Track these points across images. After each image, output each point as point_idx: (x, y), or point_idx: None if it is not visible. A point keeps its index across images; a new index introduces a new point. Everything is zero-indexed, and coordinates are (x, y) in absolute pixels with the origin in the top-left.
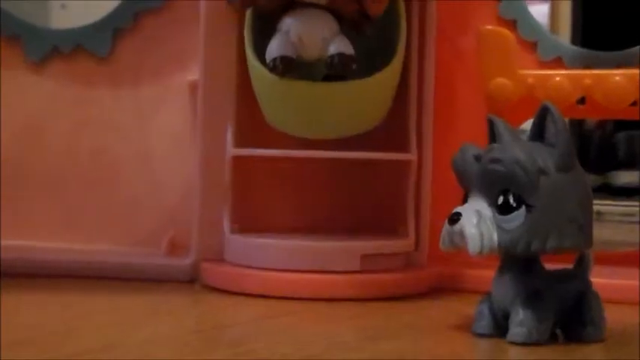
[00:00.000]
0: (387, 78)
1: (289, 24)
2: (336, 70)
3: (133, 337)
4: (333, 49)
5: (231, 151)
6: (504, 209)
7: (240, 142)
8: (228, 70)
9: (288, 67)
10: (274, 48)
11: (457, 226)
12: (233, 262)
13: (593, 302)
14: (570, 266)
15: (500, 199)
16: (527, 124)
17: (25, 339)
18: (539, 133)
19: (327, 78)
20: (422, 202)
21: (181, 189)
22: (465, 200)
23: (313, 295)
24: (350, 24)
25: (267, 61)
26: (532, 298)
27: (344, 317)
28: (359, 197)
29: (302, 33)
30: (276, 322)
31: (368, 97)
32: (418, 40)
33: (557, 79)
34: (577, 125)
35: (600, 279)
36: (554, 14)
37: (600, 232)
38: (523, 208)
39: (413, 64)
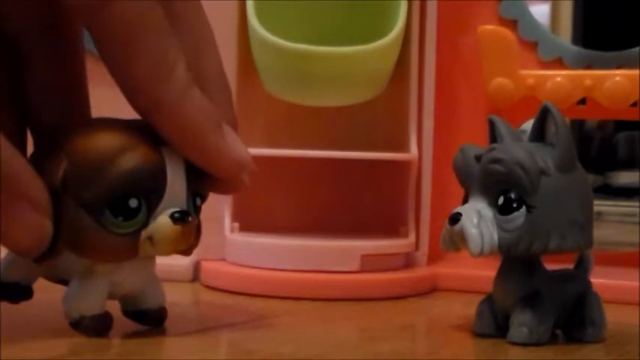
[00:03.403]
0: (388, 47)
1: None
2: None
3: (132, 336)
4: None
5: None
6: (505, 209)
7: None
8: (228, 70)
9: (107, 327)
10: (83, 299)
11: (457, 226)
12: (233, 262)
13: (594, 303)
14: (571, 267)
15: (501, 200)
16: (528, 125)
17: (25, 338)
18: (539, 134)
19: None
20: (422, 202)
21: None
22: (465, 200)
23: (313, 295)
24: None
25: (72, 314)
26: (533, 299)
27: (344, 317)
28: (359, 197)
29: (132, 284)
30: (276, 322)
31: (369, 65)
32: (418, 40)
33: (558, 79)
34: (578, 125)
35: (600, 279)
36: (554, 14)
37: (600, 233)
38: (524, 209)
39: (413, 64)
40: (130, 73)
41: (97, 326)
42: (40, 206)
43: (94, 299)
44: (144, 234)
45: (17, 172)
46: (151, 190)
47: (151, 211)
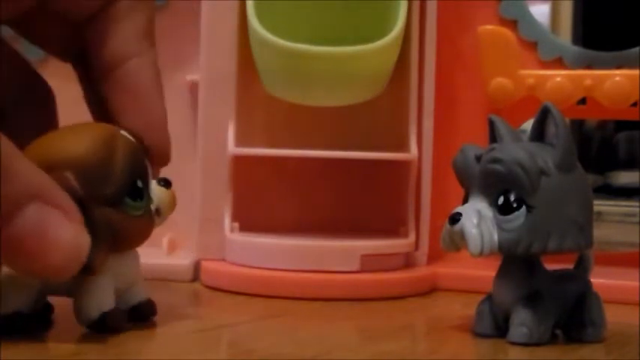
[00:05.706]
0: (388, 46)
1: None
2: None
3: (132, 336)
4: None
5: (232, 150)
6: (505, 209)
7: (240, 142)
8: (228, 70)
9: (123, 320)
10: (100, 296)
11: (457, 226)
12: (233, 262)
13: (594, 303)
14: (571, 267)
15: (501, 200)
16: (528, 125)
17: (25, 338)
18: (539, 134)
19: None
20: (422, 202)
21: (181, 188)
22: (465, 200)
23: (313, 295)
24: None
25: (92, 314)
26: (532, 299)
27: (344, 317)
28: (359, 197)
29: (130, 274)
30: (276, 322)
31: (369, 65)
32: (418, 40)
33: (558, 79)
34: (578, 125)
35: (600, 279)
36: (554, 14)
37: (600, 233)
38: (524, 209)
39: (413, 64)
40: (109, 27)
41: (118, 320)
42: (74, 217)
43: (109, 294)
44: (152, 207)
45: (50, 183)
46: (143, 168)
47: (146, 188)
